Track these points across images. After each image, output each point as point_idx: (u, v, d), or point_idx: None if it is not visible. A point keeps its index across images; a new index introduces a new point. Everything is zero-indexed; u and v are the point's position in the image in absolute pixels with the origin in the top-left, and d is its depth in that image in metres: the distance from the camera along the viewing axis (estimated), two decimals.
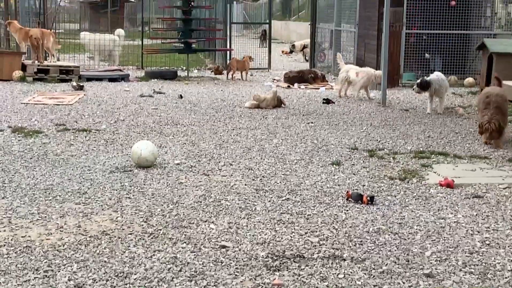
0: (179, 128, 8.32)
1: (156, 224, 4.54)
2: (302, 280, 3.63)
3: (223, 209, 4.97)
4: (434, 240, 4.35)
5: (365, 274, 3.73)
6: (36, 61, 13.02)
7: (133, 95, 11.28)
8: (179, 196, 5.29)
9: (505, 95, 7.79)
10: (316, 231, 4.45)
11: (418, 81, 10.32)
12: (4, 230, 4.35)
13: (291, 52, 19.78)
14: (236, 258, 3.92)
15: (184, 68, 15.96)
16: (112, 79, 13.34)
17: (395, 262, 3.92)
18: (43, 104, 9.93)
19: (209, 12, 17.93)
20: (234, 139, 7.69)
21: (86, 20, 31.30)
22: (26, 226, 4.44)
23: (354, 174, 6.11)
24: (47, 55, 13.94)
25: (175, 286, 3.53)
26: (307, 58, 20.20)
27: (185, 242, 4.18)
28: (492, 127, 7.34)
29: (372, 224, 4.65)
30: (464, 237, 4.43)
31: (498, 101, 7.50)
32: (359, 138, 7.92)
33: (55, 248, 4.04)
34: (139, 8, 25.23)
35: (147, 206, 4.99)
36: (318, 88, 13.12)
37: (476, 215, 4.95)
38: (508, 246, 4.25)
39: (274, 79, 14.67)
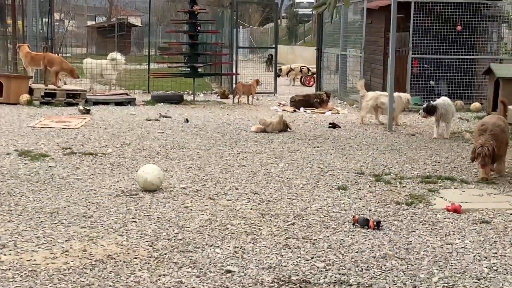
0: (185, 152, 8.35)
1: (161, 248, 4.54)
2: None
3: (228, 233, 4.97)
4: (441, 265, 4.33)
5: None
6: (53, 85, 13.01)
7: (139, 119, 11.34)
8: (185, 220, 5.30)
9: (504, 124, 7.19)
10: (322, 256, 4.44)
11: (424, 105, 10.35)
12: (10, 254, 4.36)
13: (278, 76, 20.09)
14: (242, 283, 3.91)
15: (190, 92, 16.06)
16: (118, 103, 13.43)
17: None
18: (50, 127, 9.99)
19: (215, 36, 18.07)
20: (240, 163, 7.71)
21: (93, 45, 31.61)
22: (31, 250, 4.45)
23: (360, 199, 6.11)
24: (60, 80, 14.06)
25: None
26: (294, 81, 20.39)
27: (191, 267, 4.17)
28: (485, 151, 6.79)
29: (379, 249, 4.63)
30: (471, 262, 4.41)
31: (495, 130, 6.97)
32: (365, 162, 7.93)
33: (60, 272, 4.04)
34: (146, 33, 25.45)
35: (152, 230, 4.99)
36: (324, 113, 13.16)
37: (484, 240, 4.93)
38: None
39: (280, 103, 14.73)
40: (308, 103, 13.75)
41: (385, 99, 11.27)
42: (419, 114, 10.56)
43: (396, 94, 11.50)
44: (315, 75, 21.16)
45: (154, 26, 29.80)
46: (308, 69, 21.31)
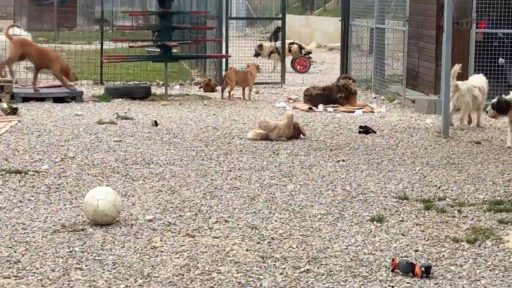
0: (153, 168, 8.36)
1: None
2: None
3: (214, 285, 4.97)
4: None
5: None
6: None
7: (87, 122, 11.35)
8: (152, 266, 5.30)
9: None
10: None
11: (494, 100, 10.36)
12: None
13: (257, 55, 19.99)
14: None
15: (161, 82, 16.10)
16: (58, 99, 13.44)
17: None
18: None
19: (196, 3, 18.18)
20: (231, 184, 7.71)
21: (22, 16, 31.67)
22: None
23: (402, 235, 6.11)
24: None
25: None
26: (276, 66, 19.94)
27: None
28: None
29: None
30: None
31: None
32: (410, 182, 7.93)
33: None
34: None
35: (106, 281, 4.99)
36: (353, 111, 13.16)
37: None
38: None
39: (290, 98, 14.75)
40: (330, 98, 13.76)
41: (477, 91, 11.50)
42: (486, 112, 10.56)
43: (476, 79, 11.66)
44: (311, 56, 21.14)
45: None
46: (300, 48, 21.27)
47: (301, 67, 20.70)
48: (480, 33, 13.85)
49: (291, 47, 21.02)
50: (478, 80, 11.82)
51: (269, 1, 35.15)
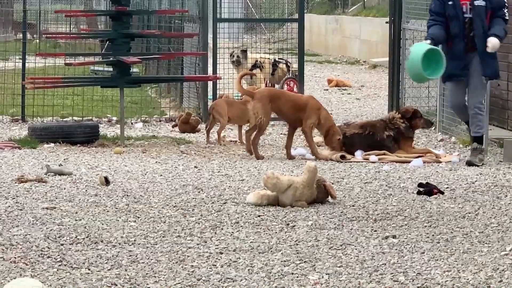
0: (103, 251, 8.35)
1: None
2: None
3: None
4: None
5: None
6: None
7: (2, 180, 11.38)
8: None
9: None
10: None
11: None
12: None
13: (236, 63, 20.21)
14: None
15: (115, 119, 16.16)
16: None
17: None
18: None
19: None
20: (222, 275, 7.70)
21: None
22: None
23: None
24: None
25: None
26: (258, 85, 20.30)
27: None
28: None
29: None
30: None
31: None
32: (497, 270, 7.90)
33: None
34: None
35: None
36: (409, 161, 13.19)
37: None
38: None
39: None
40: (373, 140, 13.78)
41: None
42: None
43: None
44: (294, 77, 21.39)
45: None
46: (288, 66, 21.55)
47: (289, 89, 20.93)
48: None
49: (277, 65, 21.35)
50: None
51: None
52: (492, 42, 13.12)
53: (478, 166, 12.87)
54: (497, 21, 13.26)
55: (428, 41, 13.27)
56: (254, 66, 20.88)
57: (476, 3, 13.23)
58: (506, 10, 13.34)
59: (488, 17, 13.27)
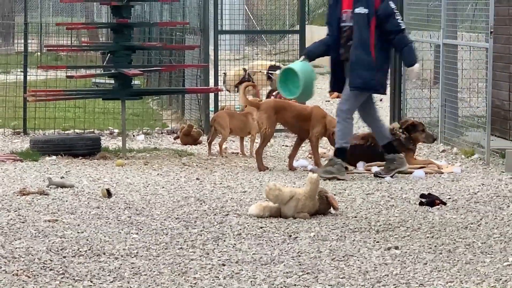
0: (105, 263, 8.34)
1: None
2: None
3: None
4: None
5: None
6: None
7: (4, 192, 11.38)
8: None
9: None
10: None
11: None
12: None
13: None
14: None
15: (117, 131, 16.14)
16: None
17: None
18: None
19: (169, 10, 18.28)
20: (225, 286, 7.68)
21: None
22: None
23: None
24: None
25: None
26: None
27: None
28: None
29: None
30: None
31: None
32: (499, 280, 7.89)
33: None
34: (19, 4, 25.64)
35: None
36: (411, 172, 13.19)
37: None
38: None
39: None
40: (374, 151, 13.77)
41: None
42: None
43: None
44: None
45: None
46: (270, 77, 21.38)
47: None
48: None
49: (271, 73, 21.17)
50: None
51: (281, 6, 35.31)
52: (413, 71, 13.26)
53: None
54: (404, 50, 13.08)
55: (302, 58, 13.33)
56: (243, 80, 20.70)
57: (356, 10, 12.89)
58: (398, 17, 13.01)
59: (373, 26, 12.89)
